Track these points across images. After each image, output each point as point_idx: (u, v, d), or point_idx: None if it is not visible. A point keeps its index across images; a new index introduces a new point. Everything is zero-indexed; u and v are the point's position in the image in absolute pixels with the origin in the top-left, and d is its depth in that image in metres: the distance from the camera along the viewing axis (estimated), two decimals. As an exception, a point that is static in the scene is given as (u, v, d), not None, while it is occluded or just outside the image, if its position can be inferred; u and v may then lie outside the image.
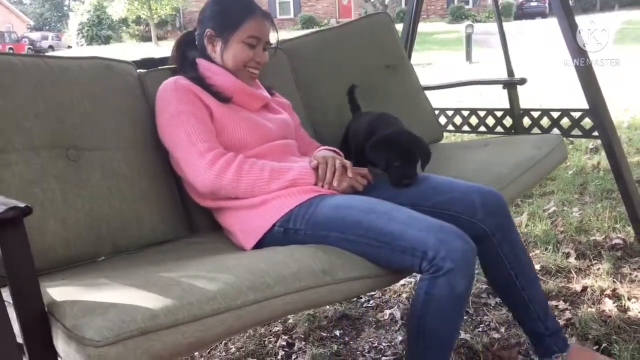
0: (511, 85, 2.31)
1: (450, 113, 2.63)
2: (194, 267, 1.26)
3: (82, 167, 1.52)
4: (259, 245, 1.43)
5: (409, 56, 2.79)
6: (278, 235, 1.41)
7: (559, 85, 7.38)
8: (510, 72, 2.39)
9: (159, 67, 1.93)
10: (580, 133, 2.17)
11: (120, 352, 0.96)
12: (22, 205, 1.00)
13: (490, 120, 2.45)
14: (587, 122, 2.26)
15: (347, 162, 1.51)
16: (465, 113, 2.50)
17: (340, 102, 2.14)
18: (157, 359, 1.01)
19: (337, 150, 1.68)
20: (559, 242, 2.59)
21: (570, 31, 2.09)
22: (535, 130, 2.26)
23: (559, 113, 2.22)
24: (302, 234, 1.37)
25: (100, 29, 28.37)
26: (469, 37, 13.88)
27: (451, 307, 1.23)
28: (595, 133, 2.11)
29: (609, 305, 2.03)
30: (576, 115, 2.15)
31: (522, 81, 2.30)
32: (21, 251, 1.01)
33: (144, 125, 1.68)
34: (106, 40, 28.17)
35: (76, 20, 29.05)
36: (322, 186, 1.45)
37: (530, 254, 2.51)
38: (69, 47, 29.85)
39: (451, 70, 11.37)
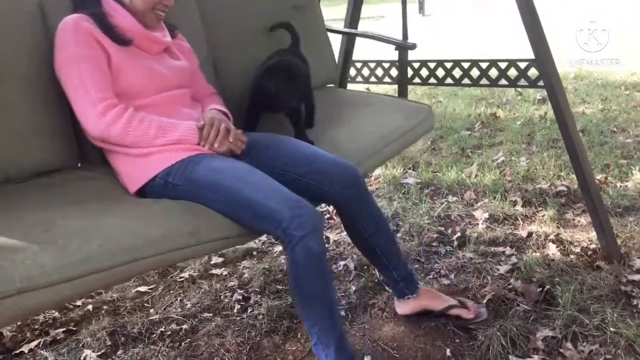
0: (402, 48, 2.37)
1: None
2: (74, 220, 1.30)
3: None
4: (141, 191, 1.54)
5: (359, 8, 2.75)
6: (159, 186, 1.51)
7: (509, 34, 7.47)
8: (405, 35, 2.44)
9: None
10: (526, 83, 2.20)
11: None
12: None
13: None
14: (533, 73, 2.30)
15: (231, 127, 1.61)
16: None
17: (245, 42, 2.12)
18: (30, 313, 1.15)
19: (227, 112, 1.75)
20: (506, 191, 2.66)
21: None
22: (484, 81, 2.28)
23: (506, 64, 2.25)
24: (180, 189, 1.48)
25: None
26: (422, -11, 13.79)
27: (313, 266, 1.40)
28: (541, 83, 2.14)
29: (552, 250, 2.11)
30: (523, 65, 2.17)
31: (413, 46, 2.36)
32: None
33: (42, 56, 1.61)
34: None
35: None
36: (204, 146, 1.55)
37: (479, 203, 2.58)
38: None
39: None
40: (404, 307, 1.79)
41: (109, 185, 1.58)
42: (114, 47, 1.55)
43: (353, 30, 2.65)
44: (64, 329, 1.86)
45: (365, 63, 2.63)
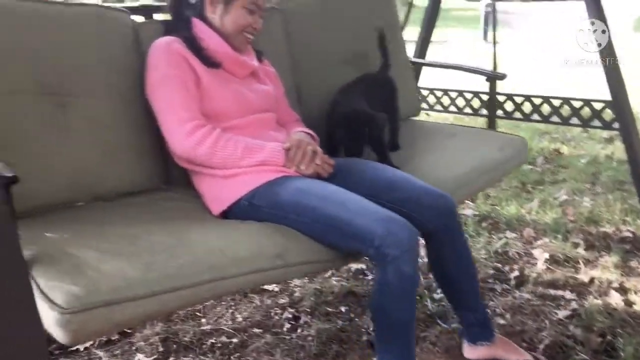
0: (492, 78, 2.33)
1: (439, 94, 2.63)
2: (160, 236, 1.31)
3: (68, 114, 1.53)
4: (225, 213, 1.53)
5: (431, 33, 2.74)
6: (244, 208, 1.50)
7: (576, 74, 7.29)
8: (494, 65, 2.40)
9: (154, 19, 1.93)
10: (600, 124, 2.14)
11: (84, 319, 1.05)
12: (8, 174, 1.04)
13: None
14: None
15: (318, 149, 1.60)
16: (454, 94, 2.50)
17: (329, 68, 2.13)
18: (116, 326, 1.12)
19: (313, 134, 1.75)
20: (568, 232, 2.58)
21: (598, 16, 2.05)
22: (555, 118, 2.23)
23: (580, 103, 2.19)
24: (265, 211, 1.46)
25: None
26: (487, 16, 13.63)
27: (403, 290, 1.35)
28: (616, 125, 2.08)
29: (615, 299, 2.03)
30: (598, 105, 2.12)
31: (503, 76, 2.31)
32: (6, 220, 1.03)
33: (133, 76, 1.66)
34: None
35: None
36: (290, 168, 1.54)
37: (539, 242, 2.51)
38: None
39: (466, 49, 11.21)
40: (473, 352, 1.70)
41: (194, 206, 1.59)
42: (203, 69, 1.58)
43: (441, 62, 2.62)
44: (119, 331, 1.90)
45: (445, 92, 2.60)
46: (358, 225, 1.34)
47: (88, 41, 1.62)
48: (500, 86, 2.39)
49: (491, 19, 13.89)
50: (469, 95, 2.49)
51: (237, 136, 1.56)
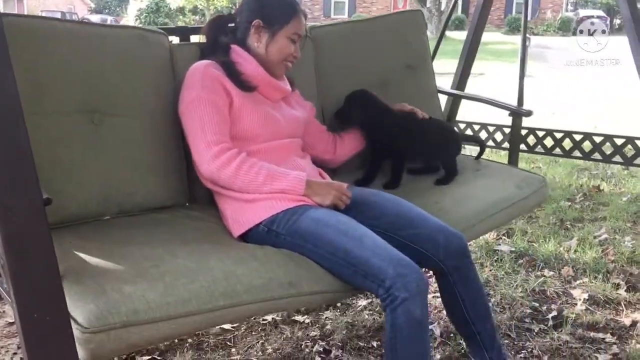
0: (517, 114, 2.29)
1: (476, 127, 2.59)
2: (181, 259, 1.36)
3: (103, 131, 1.60)
4: (245, 235, 1.57)
5: (469, 66, 2.73)
6: (262, 233, 1.54)
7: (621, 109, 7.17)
8: (520, 100, 2.36)
9: (190, 42, 2.00)
10: (621, 160, 2.09)
11: (103, 339, 1.10)
12: (44, 197, 1.06)
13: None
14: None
15: (336, 182, 1.67)
16: (491, 129, 2.46)
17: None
18: (132, 347, 1.18)
19: (322, 172, 1.82)
20: (609, 272, 2.50)
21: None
22: (596, 155, 2.18)
23: (623, 140, 2.14)
24: (282, 238, 1.50)
25: (157, 16, 28.88)
26: (525, 49, 13.57)
27: (413, 332, 1.35)
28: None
29: (659, 344, 1.95)
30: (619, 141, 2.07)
31: (529, 113, 2.26)
32: (43, 240, 1.05)
33: (166, 96, 1.73)
34: (162, 27, 28.67)
35: (135, 6, 29.68)
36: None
37: (578, 281, 2.43)
38: (126, 31, 30.52)
39: (503, 82, 11.15)
40: None
41: (215, 228, 1.64)
42: (237, 92, 1.64)
43: (465, 93, 2.62)
44: (150, 357, 1.90)
45: (469, 124, 2.60)
46: (372, 264, 1.37)
47: (128, 62, 1.69)
48: (531, 120, 2.35)
49: (529, 53, 13.85)
50: (491, 128, 2.47)
51: (262, 162, 1.59)
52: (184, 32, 2.13)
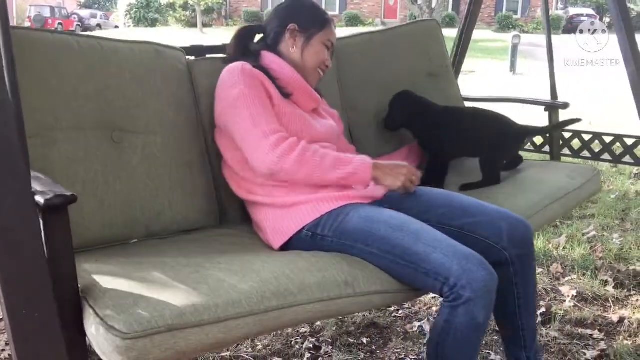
0: (553, 108, 2.25)
1: None
2: (222, 264, 1.26)
3: (124, 149, 1.54)
4: (286, 245, 1.46)
5: (460, 64, 2.75)
6: (306, 239, 1.43)
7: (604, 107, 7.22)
8: (554, 94, 2.33)
9: (207, 56, 1.95)
10: (632, 161, 2.09)
11: (147, 346, 0.99)
12: (67, 193, 1.04)
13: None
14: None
15: (402, 163, 1.55)
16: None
17: (378, 106, 2.14)
18: (179, 355, 1.04)
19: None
20: (597, 269, 2.52)
21: (631, 52, 2.02)
22: (585, 153, 2.20)
23: (611, 138, 2.15)
24: (329, 241, 1.39)
25: (147, 11, 28.73)
26: (514, 48, 13.62)
27: (469, 336, 1.25)
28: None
29: (646, 340, 1.97)
30: (629, 141, 2.07)
31: (565, 105, 2.22)
32: (63, 237, 1.05)
33: (187, 113, 1.70)
34: (152, 23, 28.46)
35: (125, 1, 29.50)
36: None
37: (567, 278, 2.45)
38: (116, 27, 30.33)
39: (494, 80, 11.20)
40: None
41: (253, 241, 1.56)
42: (277, 95, 1.57)
43: (490, 96, 2.59)
44: None
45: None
46: (432, 260, 1.25)
47: (146, 78, 1.64)
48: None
49: (519, 50, 13.91)
50: None
51: (323, 149, 1.50)
52: (200, 51, 2.01)
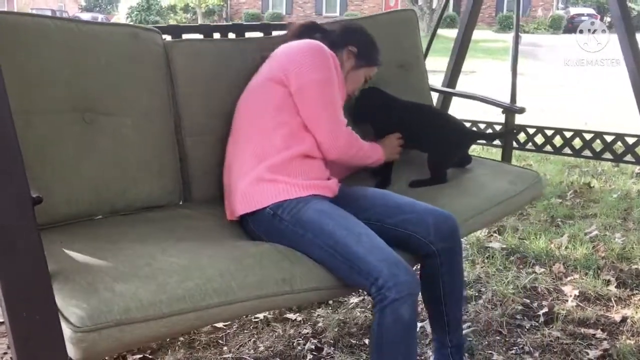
0: (510, 111, 2.28)
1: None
2: (173, 257, 1.34)
3: (94, 130, 1.58)
4: (247, 216, 1.58)
5: (460, 64, 2.74)
6: (267, 217, 1.54)
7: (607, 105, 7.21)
8: (513, 98, 2.36)
9: (184, 37, 1.98)
10: (633, 159, 2.09)
11: (95, 339, 1.09)
12: (33, 195, 1.05)
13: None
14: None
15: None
16: (482, 126, 2.47)
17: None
18: (125, 346, 1.16)
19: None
20: (599, 268, 2.51)
21: (631, 52, 2.02)
22: (587, 152, 2.19)
23: (612, 137, 2.15)
24: (285, 225, 1.51)
25: (148, 14, 28.79)
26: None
27: (400, 334, 1.37)
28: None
29: (649, 339, 1.96)
30: (631, 140, 2.07)
31: (521, 110, 2.25)
32: (31, 236, 1.04)
33: (161, 94, 1.73)
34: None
35: (126, 3, 29.60)
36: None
37: (569, 278, 2.45)
38: (117, 29, 30.39)
39: (494, 79, 11.19)
40: None
41: (210, 226, 1.63)
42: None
43: (459, 91, 2.62)
44: (141, 356, 1.89)
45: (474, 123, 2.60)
46: (367, 261, 1.39)
47: (121, 60, 1.67)
48: (521, 117, 2.36)
49: (520, 51, 13.84)
50: (482, 126, 2.47)
51: (356, 140, 1.74)
52: (177, 31, 2.09)
